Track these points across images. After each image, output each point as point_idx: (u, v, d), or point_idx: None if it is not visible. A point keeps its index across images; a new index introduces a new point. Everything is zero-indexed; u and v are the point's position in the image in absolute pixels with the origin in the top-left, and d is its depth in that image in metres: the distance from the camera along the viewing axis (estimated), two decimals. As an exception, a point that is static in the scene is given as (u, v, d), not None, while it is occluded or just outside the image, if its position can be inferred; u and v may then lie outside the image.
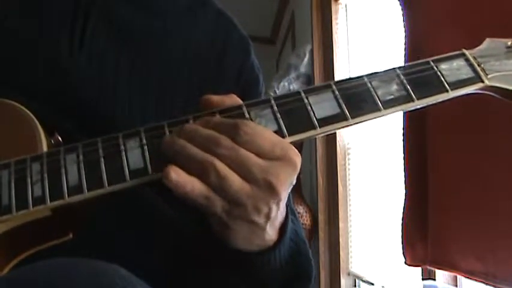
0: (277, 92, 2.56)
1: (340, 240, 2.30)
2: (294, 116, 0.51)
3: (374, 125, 1.84)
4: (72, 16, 0.67)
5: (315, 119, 0.51)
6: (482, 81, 0.55)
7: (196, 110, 0.52)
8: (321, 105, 0.51)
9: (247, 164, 0.47)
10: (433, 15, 1.33)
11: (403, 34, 1.42)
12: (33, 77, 0.64)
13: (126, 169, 0.49)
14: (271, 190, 0.47)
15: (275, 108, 0.51)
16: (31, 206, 0.49)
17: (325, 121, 0.51)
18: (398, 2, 1.45)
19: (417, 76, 0.54)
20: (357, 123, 0.52)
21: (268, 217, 0.49)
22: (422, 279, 1.44)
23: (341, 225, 2.31)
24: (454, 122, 1.22)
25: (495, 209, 1.07)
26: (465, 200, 1.18)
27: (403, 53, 1.41)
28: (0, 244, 0.50)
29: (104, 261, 0.44)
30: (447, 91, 0.54)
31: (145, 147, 0.50)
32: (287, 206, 0.53)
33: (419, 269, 1.46)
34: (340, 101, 0.52)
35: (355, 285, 2.28)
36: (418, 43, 1.35)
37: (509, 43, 0.59)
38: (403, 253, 1.38)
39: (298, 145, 0.51)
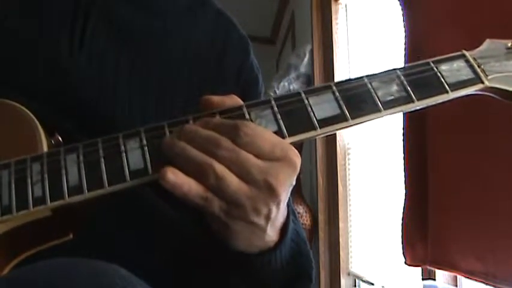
0: (277, 92, 2.56)
1: (340, 240, 2.30)
2: (294, 116, 0.51)
3: (374, 125, 1.84)
4: (72, 16, 0.67)
5: (315, 119, 0.51)
6: (482, 82, 0.55)
7: (196, 110, 0.52)
8: (321, 106, 0.51)
9: (247, 165, 0.47)
10: (433, 16, 1.33)
11: (403, 34, 1.42)
12: (33, 77, 0.64)
13: (127, 169, 0.49)
14: (270, 191, 0.47)
15: (275, 109, 0.51)
16: (31, 206, 0.49)
17: (325, 122, 0.51)
18: (398, 2, 1.45)
19: (417, 77, 0.54)
20: (357, 124, 0.52)
21: (268, 218, 0.49)
22: (422, 279, 1.44)
23: (341, 225, 2.32)
24: (454, 122, 1.22)
25: (495, 209, 1.07)
26: (465, 200, 1.18)
27: (403, 53, 1.41)
28: (0, 244, 0.50)
29: (104, 261, 0.45)
30: (447, 92, 0.54)
31: (146, 147, 0.50)
32: (287, 206, 0.53)
33: (419, 269, 1.46)
34: (341, 101, 0.52)
35: (355, 285, 2.29)
36: (418, 43, 1.35)
37: (509, 44, 0.59)
38: (403, 253, 1.38)
39: (298, 145, 0.51)
